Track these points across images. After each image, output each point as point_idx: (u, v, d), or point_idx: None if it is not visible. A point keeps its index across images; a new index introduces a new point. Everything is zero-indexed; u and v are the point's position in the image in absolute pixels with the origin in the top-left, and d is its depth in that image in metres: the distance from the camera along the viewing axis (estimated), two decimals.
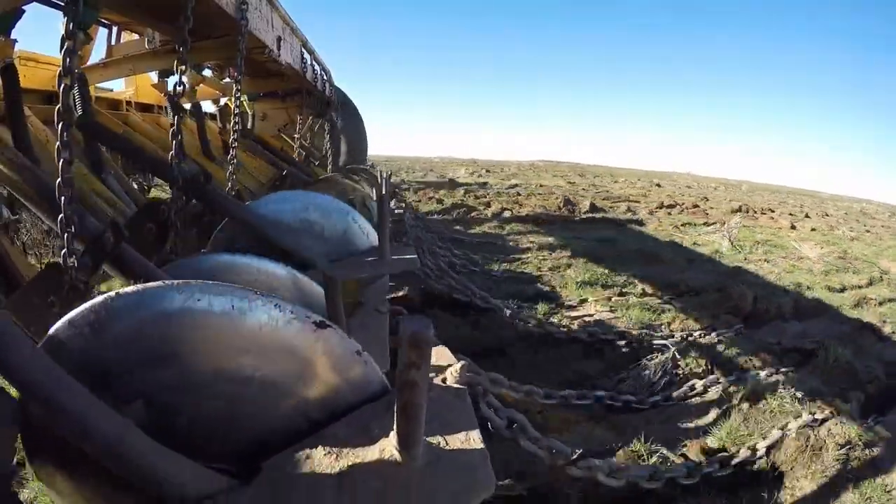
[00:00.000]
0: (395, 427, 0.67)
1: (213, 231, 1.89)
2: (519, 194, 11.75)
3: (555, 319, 3.48)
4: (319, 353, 0.80)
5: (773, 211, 12.27)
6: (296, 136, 5.03)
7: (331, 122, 5.10)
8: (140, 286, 0.76)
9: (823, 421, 2.04)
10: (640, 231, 7.91)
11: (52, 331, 0.76)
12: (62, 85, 1.07)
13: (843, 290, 5.02)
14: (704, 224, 9.03)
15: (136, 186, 3.06)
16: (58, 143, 1.05)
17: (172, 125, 1.58)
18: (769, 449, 1.90)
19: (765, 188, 27.22)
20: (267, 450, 0.79)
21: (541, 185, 14.68)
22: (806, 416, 2.07)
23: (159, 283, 0.77)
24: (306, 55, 3.74)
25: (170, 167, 1.62)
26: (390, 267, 1.83)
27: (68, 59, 1.07)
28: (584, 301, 3.97)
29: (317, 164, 5.30)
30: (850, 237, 9.29)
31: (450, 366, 0.94)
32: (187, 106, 3.97)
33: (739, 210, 11.18)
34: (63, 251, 1.08)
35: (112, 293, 0.75)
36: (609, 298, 4.02)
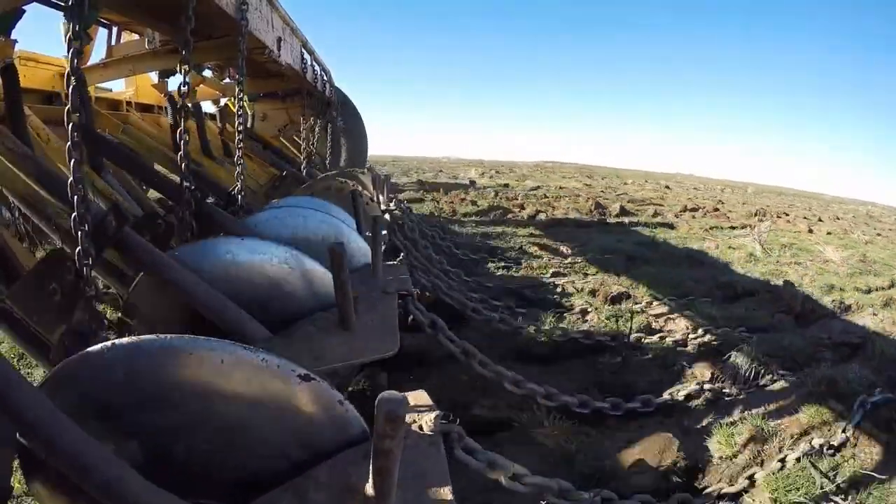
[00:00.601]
0: (369, 480, 0.71)
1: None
2: (546, 196, 11.79)
3: (642, 319, 3.75)
4: (303, 403, 0.85)
5: (787, 214, 12.37)
6: (297, 138, 5.03)
7: (331, 122, 5.11)
8: (136, 338, 0.82)
9: (887, 401, 2.46)
10: (674, 234, 8.08)
11: (51, 374, 0.81)
12: (70, 86, 1.06)
13: (869, 291, 5.22)
14: (730, 228, 9.17)
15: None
16: (68, 143, 1.05)
17: (178, 127, 1.58)
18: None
19: (769, 190, 27.13)
20: (254, 489, 0.84)
21: (561, 188, 14.67)
22: (877, 398, 2.46)
23: (153, 336, 0.81)
24: (306, 55, 3.74)
25: (167, 184, 1.61)
26: (383, 286, 1.84)
27: (75, 61, 1.06)
28: (655, 300, 4.24)
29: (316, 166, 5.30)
30: (864, 241, 9.39)
31: (428, 413, 0.98)
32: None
33: (758, 214, 11.32)
34: (77, 250, 1.07)
35: (108, 343, 0.81)
36: (678, 298, 4.28)
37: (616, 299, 4.13)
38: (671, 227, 8.74)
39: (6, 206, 2.25)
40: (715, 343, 3.27)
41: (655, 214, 9.85)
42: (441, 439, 0.96)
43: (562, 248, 6.03)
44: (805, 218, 12.02)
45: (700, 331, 3.42)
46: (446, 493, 0.84)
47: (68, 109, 1.07)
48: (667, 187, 18.73)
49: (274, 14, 2.73)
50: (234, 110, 5.19)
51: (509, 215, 8.58)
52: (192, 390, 0.82)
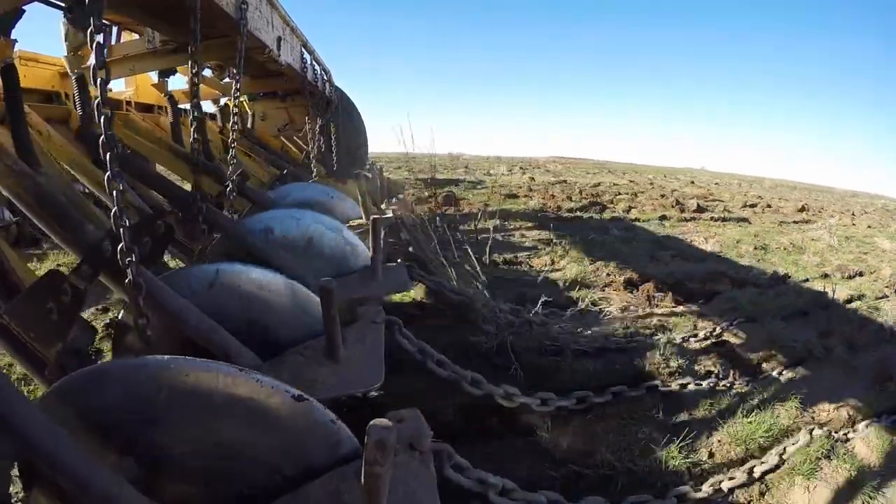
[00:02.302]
0: (360, 501, 0.73)
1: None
2: (619, 192, 12.30)
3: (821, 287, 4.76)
4: (297, 422, 0.89)
5: (824, 209, 12.98)
6: (297, 138, 5.04)
7: (332, 122, 5.11)
8: (135, 359, 0.85)
9: None
10: (758, 228, 8.61)
11: (52, 390, 0.84)
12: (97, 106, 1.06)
13: None
14: (793, 222, 9.79)
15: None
16: (107, 174, 1.05)
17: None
18: None
19: (783, 184, 27.19)
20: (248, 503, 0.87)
21: (614, 184, 15.12)
22: None
23: (152, 357, 0.85)
24: (306, 55, 3.74)
25: (169, 187, 1.62)
26: (381, 288, 1.84)
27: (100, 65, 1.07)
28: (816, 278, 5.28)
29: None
30: None
31: (418, 433, 1.00)
32: (186, 106, 3.97)
33: (804, 210, 11.86)
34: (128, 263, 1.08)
35: (108, 362, 0.87)
36: (821, 278, 5.31)
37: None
38: (747, 221, 9.31)
39: (7, 207, 2.26)
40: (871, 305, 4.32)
41: (725, 210, 10.39)
42: (431, 458, 0.99)
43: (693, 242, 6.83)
44: (841, 213, 12.59)
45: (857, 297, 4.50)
46: None
47: (102, 141, 1.07)
48: (692, 182, 18.88)
49: (274, 13, 2.73)
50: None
51: (606, 211, 9.05)
52: (188, 409, 0.85)
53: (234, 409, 0.85)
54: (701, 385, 2.49)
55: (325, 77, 4.67)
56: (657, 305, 3.85)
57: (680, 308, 3.85)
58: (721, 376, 2.70)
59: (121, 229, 1.09)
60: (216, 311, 1.33)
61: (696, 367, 2.78)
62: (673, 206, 9.97)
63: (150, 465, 0.87)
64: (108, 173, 1.06)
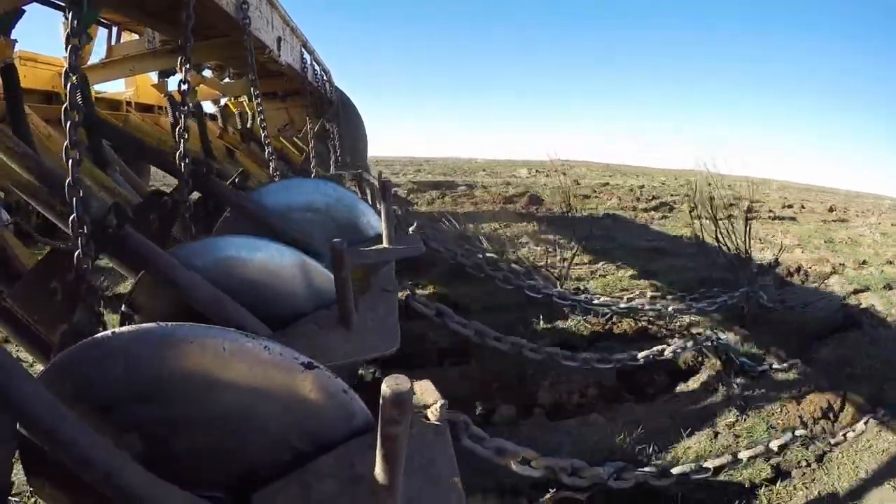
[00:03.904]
0: (376, 468, 0.70)
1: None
2: (670, 195, 12.65)
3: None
4: (306, 392, 0.84)
5: (847, 210, 13.39)
6: (297, 139, 5.02)
7: (332, 123, 5.10)
8: (136, 327, 0.80)
9: None
10: (811, 227, 9.17)
11: (51, 364, 0.79)
12: (68, 83, 1.04)
13: None
14: (833, 221, 10.31)
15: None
16: (65, 142, 1.03)
17: (178, 125, 1.57)
18: None
19: (790, 185, 27.33)
20: (257, 480, 0.83)
21: (653, 186, 15.62)
22: None
23: (154, 324, 0.80)
24: (306, 55, 3.73)
25: (173, 159, 1.60)
26: (394, 254, 1.82)
27: (73, 57, 1.06)
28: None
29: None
30: None
31: (433, 403, 0.97)
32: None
33: (832, 210, 12.35)
34: (77, 252, 1.06)
35: (108, 332, 0.79)
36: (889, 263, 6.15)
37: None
38: (795, 220, 9.85)
39: (5, 208, 2.25)
40: None
41: (770, 211, 10.84)
42: (447, 428, 0.95)
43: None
44: (865, 213, 12.94)
45: None
46: (454, 481, 0.83)
47: (66, 107, 1.05)
48: (709, 184, 18.91)
49: (274, 13, 2.73)
50: (235, 110, 5.17)
51: (674, 211, 9.42)
52: (193, 379, 0.80)
53: (241, 377, 0.81)
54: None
55: (325, 77, 4.67)
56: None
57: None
58: (873, 325, 3.83)
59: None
60: (226, 283, 1.29)
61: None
62: (727, 207, 10.36)
63: (154, 439, 0.82)
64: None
